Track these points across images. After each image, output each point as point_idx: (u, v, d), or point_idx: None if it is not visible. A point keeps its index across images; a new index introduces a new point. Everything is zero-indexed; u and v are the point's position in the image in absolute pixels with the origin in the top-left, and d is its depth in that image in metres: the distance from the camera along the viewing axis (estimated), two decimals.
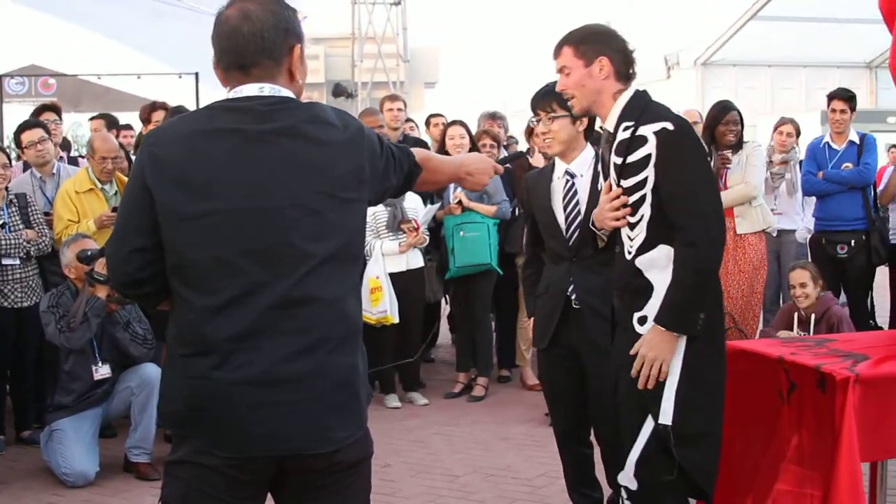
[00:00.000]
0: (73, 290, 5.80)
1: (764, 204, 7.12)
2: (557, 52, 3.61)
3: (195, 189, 2.36)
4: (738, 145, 7.00)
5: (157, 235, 2.40)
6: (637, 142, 3.44)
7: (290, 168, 2.39)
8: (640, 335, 3.48)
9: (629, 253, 3.54)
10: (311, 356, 2.38)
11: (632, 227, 3.53)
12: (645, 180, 3.45)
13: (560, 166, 4.38)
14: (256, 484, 2.45)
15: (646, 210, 3.47)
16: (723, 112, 7.02)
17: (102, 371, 5.81)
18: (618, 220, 3.53)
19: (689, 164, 3.42)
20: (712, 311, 3.48)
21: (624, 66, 3.54)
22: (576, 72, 3.55)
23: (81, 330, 5.63)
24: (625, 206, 3.50)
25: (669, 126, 3.39)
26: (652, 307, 3.46)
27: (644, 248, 3.50)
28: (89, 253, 5.27)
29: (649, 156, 3.41)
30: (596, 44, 3.53)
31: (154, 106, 7.90)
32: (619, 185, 3.53)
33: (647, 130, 3.42)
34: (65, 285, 5.88)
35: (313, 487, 2.47)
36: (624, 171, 3.50)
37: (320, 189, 2.41)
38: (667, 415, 3.44)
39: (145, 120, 7.87)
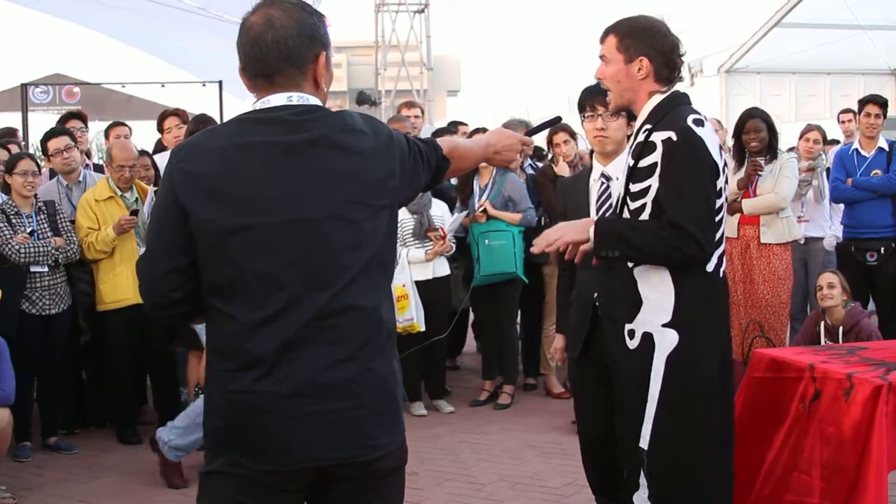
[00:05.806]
0: None
1: (791, 216, 7.01)
2: (603, 39, 3.47)
3: (233, 203, 2.33)
4: (772, 153, 6.86)
5: (191, 255, 2.39)
6: (648, 148, 3.31)
7: (326, 179, 2.37)
8: (630, 349, 3.38)
9: (630, 262, 3.42)
10: (353, 364, 2.37)
11: None
12: (648, 188, 3.31)
13: (597, 168, 4.25)
14: (295, 493, 2.43)
15: (645, 219, 3.34)
16: (744, 120, 6.96)
17: None
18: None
19: (675, 174, 3.25)
20: (670, 314, 3.31)
21: (666, 68, 3.40)
22: (614, 65, 3.42)
23: None
24: (630, 211, 3.39)
25: (673, 136, 3.25)
26: (640, 322, 3.35)
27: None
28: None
29: (655, 164, 3.29)
30: (640, 42, 3.39)
31: (165, 114, 8.02)
32: (626, 189, 3.40)
33: (658, 138, 3.28)
34: None
35: (352, 496, 2.46)
36: (634, 175, 3.37)
37: (355, 198, 2.39)
38: (645, 439, 3.34)
39: (160, 129, 8.00)
